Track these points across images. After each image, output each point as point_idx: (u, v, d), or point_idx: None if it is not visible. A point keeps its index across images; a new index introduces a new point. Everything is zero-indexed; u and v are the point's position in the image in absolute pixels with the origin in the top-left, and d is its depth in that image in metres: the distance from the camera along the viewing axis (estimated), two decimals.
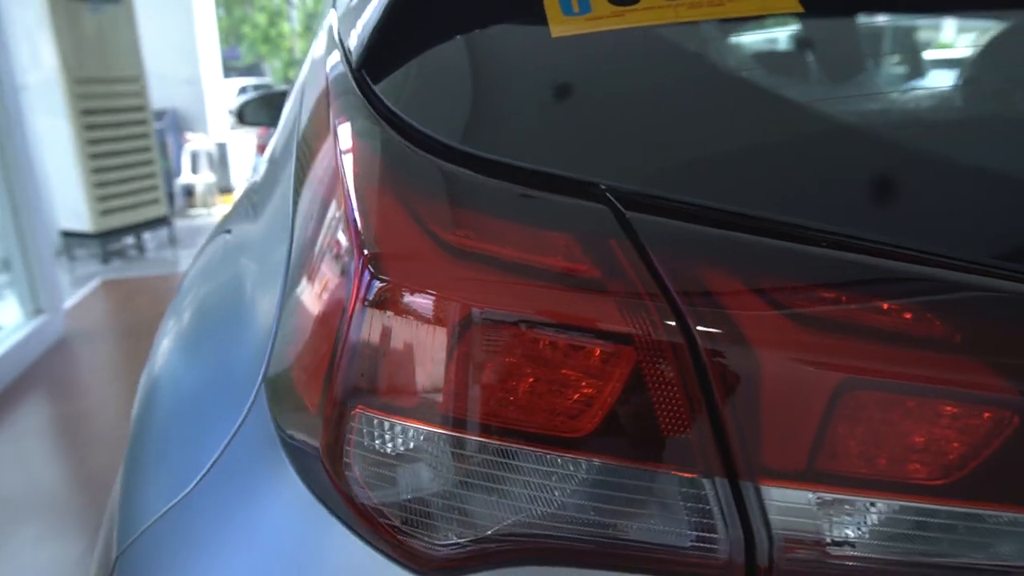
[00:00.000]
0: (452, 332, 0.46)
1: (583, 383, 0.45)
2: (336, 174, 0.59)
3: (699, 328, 0.43)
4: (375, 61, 0.66)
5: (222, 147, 7.84)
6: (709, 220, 0.48)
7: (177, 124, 7.45)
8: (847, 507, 0.45)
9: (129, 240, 5.73)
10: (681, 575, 0.47)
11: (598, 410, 0.45)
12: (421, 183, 0.54)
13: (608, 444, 0.45)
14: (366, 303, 0.48)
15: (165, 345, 0.95)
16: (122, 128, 5.38)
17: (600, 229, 0.48)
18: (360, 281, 0.49)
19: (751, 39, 0.67)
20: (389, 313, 0.48)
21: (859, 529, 0.45)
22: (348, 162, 0.57)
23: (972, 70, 0.69)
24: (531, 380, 0.46)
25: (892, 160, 0.54)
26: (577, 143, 0.56)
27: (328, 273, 0.55)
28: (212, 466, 0.64)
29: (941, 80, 0.67)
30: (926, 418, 0.43)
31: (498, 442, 0.47)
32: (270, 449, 0.60)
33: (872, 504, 0.45)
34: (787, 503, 0.44)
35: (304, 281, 0.60)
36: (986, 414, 0.42)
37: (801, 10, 0.62)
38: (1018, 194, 0.53)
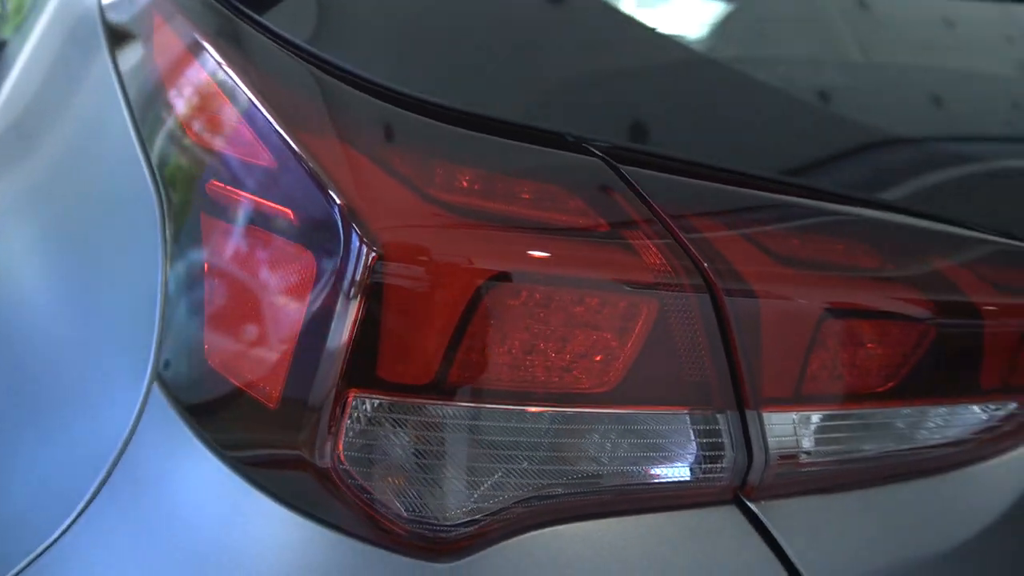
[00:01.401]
0: (463, 297, 0.43)
1: (606, 336, 0.45)
2: (230, 119, 0.51)
3: (711, 271, 0.46)
4: None
5: None
6: (683, 171, 0.51)
7: None
8: (815, 421, 0.51)
9: None
10: (682, 507, 0.50)
11: (623, 361, 0.45)
12: (380, 131, 0.48)
13: (633, 394, 0.46)
14: (357, 272, 0.42)
15: None
16: None
17: (600, 182, 0.47)
18: (348, 248, 0.42)
19: None
20: (386, 282, 0.42)
21: (821, 438, 0.52)
22: (273, 110, 0.48)
23: None
24: (552, 339, 0.44)
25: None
26: (538, 94, 0.54)
27: (273, 242, 0.47)
28: (96, 494, 0.51)
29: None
30: (876, 337, 0.51)
31: (521, 407, 0.45)
32: (180, 459, 0.50)
33: (836, 416, 0.52)
34: (779, 425, 0.49)
35: (216, 254, 0.50)
36: (916, 327, 0.51)
37: None
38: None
